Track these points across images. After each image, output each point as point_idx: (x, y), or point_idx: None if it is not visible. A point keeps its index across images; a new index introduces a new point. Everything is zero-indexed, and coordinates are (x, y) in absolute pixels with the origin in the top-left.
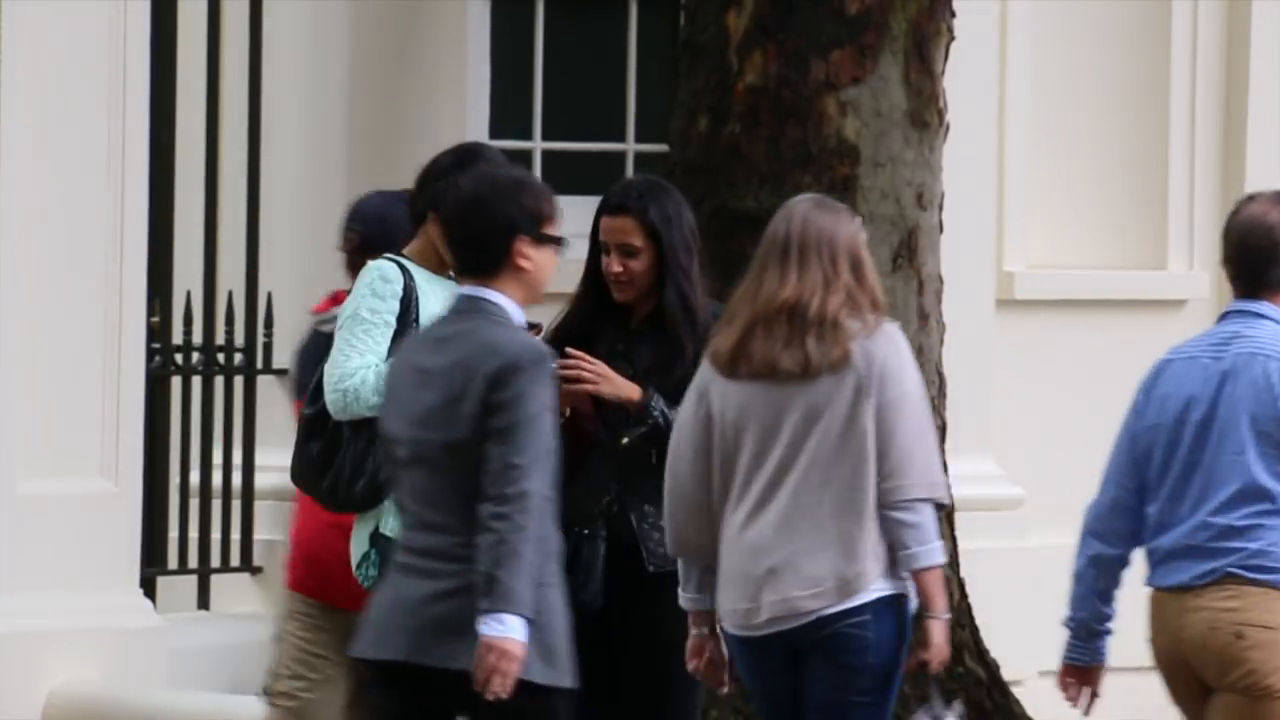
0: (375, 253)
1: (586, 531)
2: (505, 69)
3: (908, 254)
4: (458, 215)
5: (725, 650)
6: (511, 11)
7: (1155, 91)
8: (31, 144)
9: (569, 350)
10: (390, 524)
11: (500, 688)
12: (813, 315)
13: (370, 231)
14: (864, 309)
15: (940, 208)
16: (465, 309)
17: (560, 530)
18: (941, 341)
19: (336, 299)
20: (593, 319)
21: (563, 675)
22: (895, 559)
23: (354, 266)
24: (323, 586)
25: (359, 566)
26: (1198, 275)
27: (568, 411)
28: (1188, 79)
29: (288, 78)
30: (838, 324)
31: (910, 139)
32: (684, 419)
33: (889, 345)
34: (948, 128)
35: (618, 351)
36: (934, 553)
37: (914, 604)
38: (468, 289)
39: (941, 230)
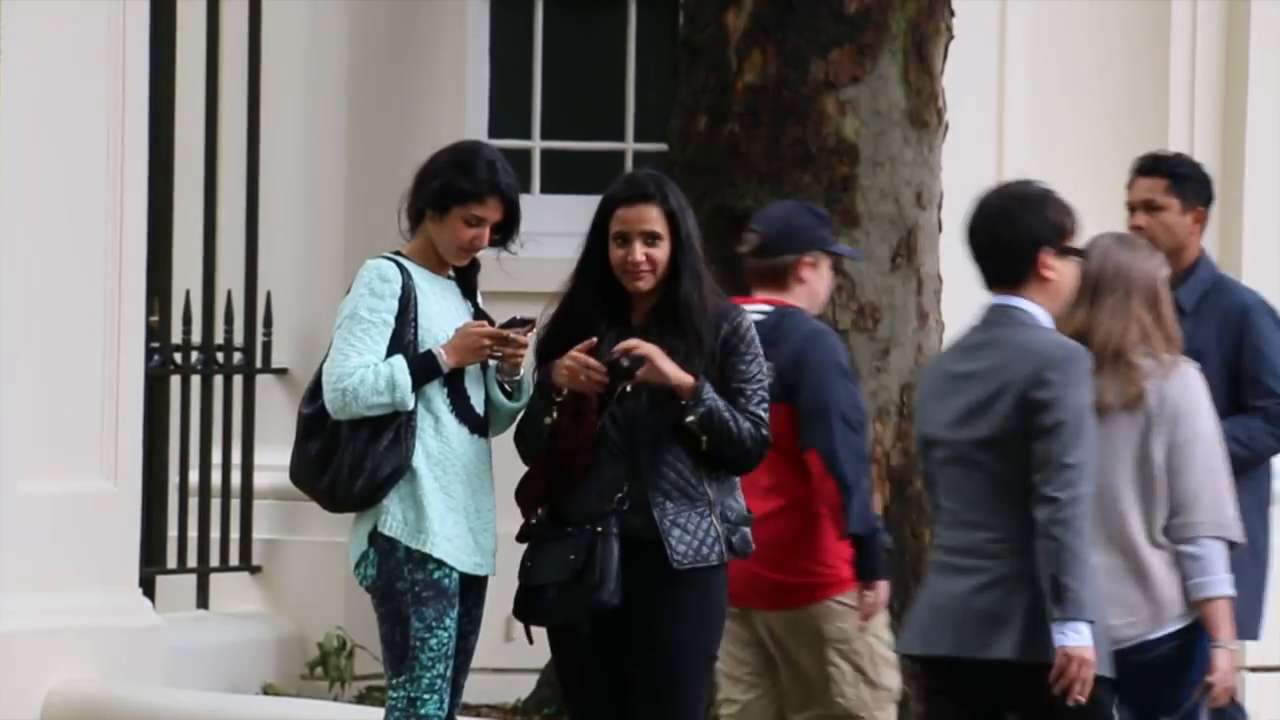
0: (773, 255)
1: (600, 529)
2: (504, 68)
3: (907, 253)
4: (985, 228)
5: None
6: (511, 11)
7: (1154, 91)
8: (31, 143)
9: (575, 353)
10: (389, 524)
11: (1081, 694)
12: (1099, 349)
13: (771, 233)
14: (1159, 348)
15: (939, 207)
16: (995, 318)
17: (570, 529)
18: (941, 341)
19: None
20: (589, 315)
21: (1104, 665)
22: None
23: (749, 272)
24: (733, 589)
25: (357, 566)
26: None
27: (566, 392)
28: (1187, 79)
29: (287, 78)
30: (1130, 362)
31: (909, 138)
32: None
33: (1183, 386)
34: (947, 127)
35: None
36: (1218, 584)
37: None
38: (997, 299)
39: (941, 229)
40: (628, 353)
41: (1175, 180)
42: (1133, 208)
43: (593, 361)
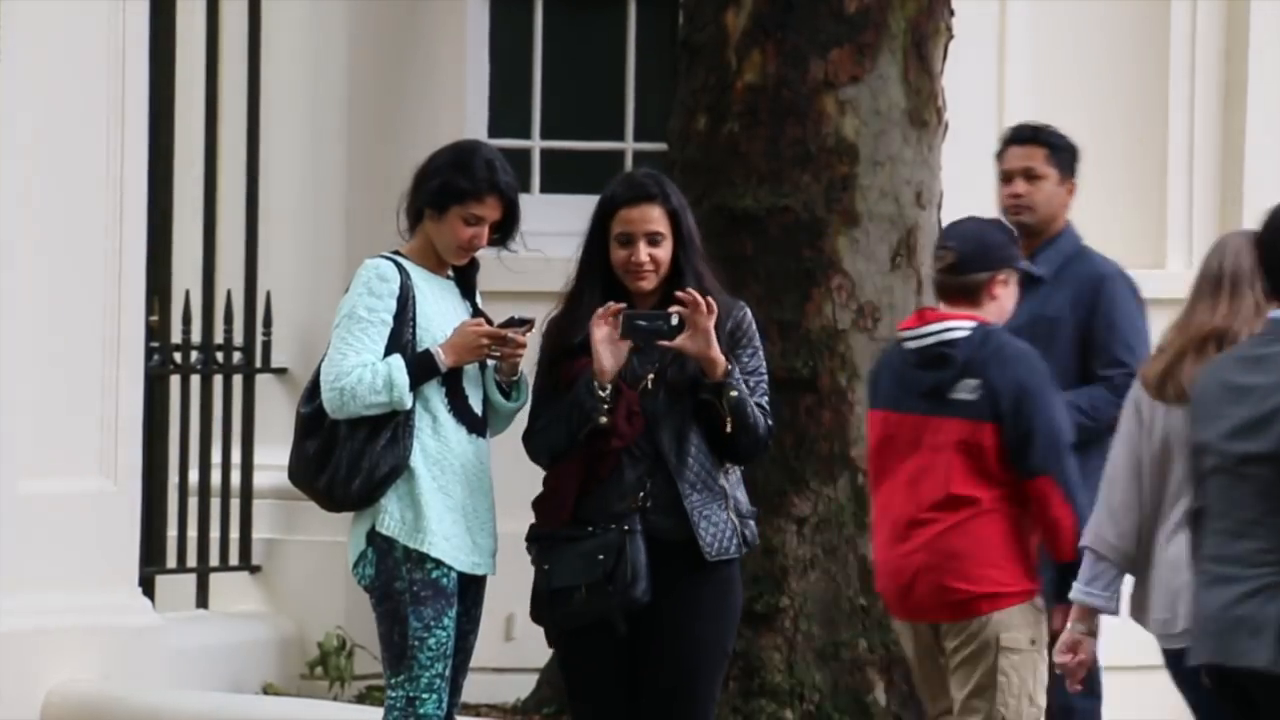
0: (968, 273)
1: (626, 528)
2: (504, 68)
3: (906, 253)
4: (1272, 241)
5: (1096, 654)
6: (511, 11)
7: (1154, 91)
8: (31, 144)
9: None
10: (387, 523)
11: None
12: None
13: (966, 251)
14: None
15: (939, 207)
16: (1278, 332)
17: (592, 529)
18: None
19: (924, 317)
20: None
21: None
22: None
23: (942, 288)
24: (901, 602)
25: (355, 565)
26: None
27: (610, 389)
28: (1187, 79)
29: (287, 78)
30: None
31: (909, 138)
32: (1123, 432)
33: None
34: (947, 127)
35: (631, 347)
36: None
37: None
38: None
39: (940, 229)
40: (685, 305)
41: (1054, 151)
42: (1009, 176)
43: (607, 333)
